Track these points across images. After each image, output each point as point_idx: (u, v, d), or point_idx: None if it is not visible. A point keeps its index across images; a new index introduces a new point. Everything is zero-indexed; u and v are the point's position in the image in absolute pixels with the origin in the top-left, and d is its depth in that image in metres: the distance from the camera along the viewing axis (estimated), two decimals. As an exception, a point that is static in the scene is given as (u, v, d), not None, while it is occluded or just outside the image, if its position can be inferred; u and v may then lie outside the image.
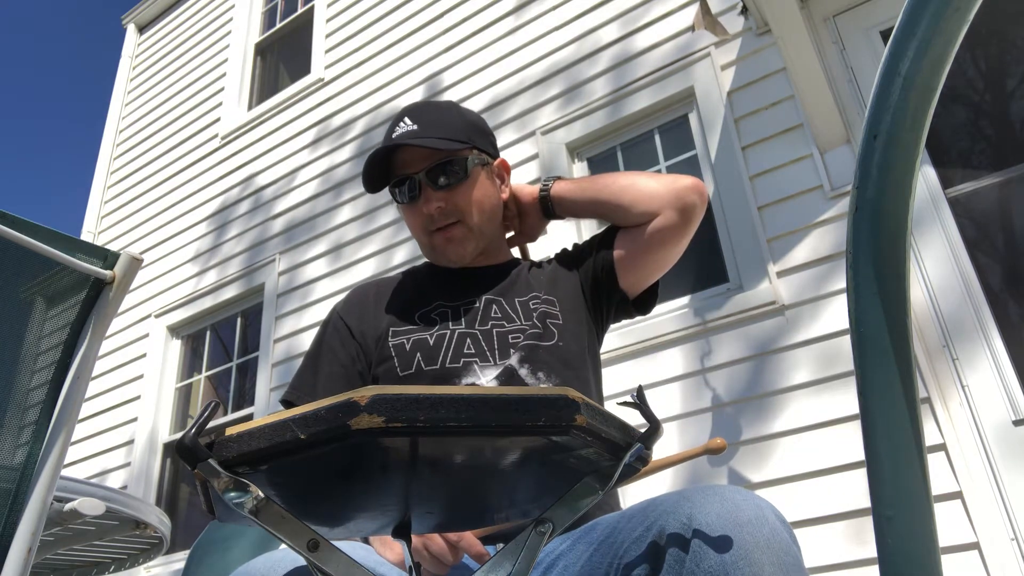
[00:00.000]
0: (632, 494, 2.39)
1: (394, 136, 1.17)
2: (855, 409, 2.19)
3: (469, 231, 1.21)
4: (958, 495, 2.15)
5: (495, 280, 1.23)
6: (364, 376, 1.16)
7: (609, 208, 1.24)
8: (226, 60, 5.41)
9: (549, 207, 1.28)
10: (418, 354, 1.11)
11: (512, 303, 1.18)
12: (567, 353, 1.13)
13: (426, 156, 1.18)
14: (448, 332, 1.12)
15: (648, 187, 1.21)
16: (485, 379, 1.07)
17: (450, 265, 1.24)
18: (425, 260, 1.34)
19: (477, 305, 1.17)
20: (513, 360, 1.09)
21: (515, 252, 1.36)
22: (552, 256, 1.33)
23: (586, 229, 3.18)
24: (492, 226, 1.25)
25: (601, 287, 1.23)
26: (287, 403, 1.15)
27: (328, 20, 4.93)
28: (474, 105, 3.76)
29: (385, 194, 1.28)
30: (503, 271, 1.26)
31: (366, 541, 1.02)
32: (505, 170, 1.31)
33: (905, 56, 0.46)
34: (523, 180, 3.41)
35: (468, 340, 1.11)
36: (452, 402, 0.52)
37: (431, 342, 1.12)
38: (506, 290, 1.21)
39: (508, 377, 1.07)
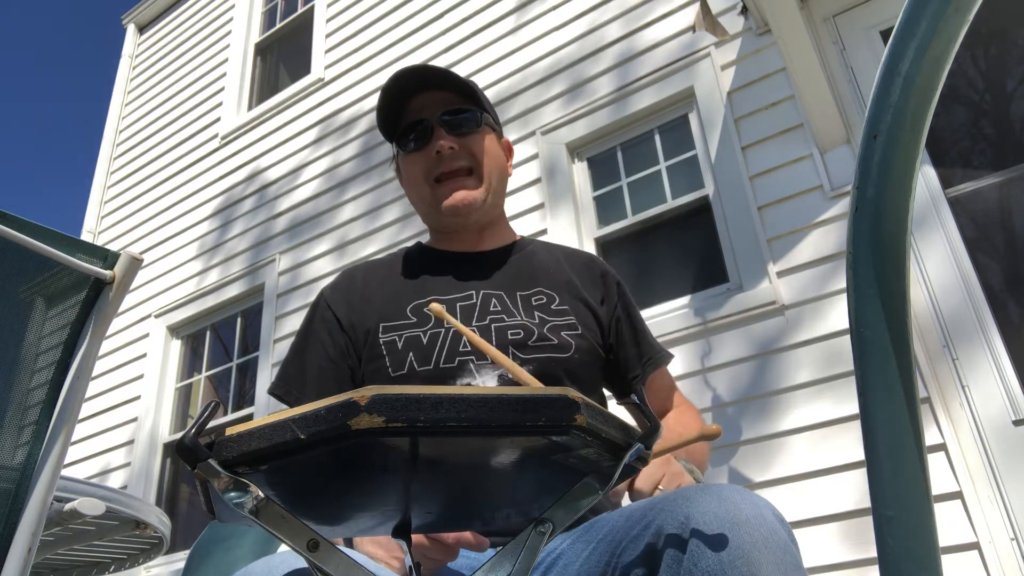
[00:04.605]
0: (632, 494, 2.39)
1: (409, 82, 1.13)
2: (855, 409, 2.19)
3: (480, 181, 1.16)
4: (958, 495, 2.15)
5: (494, 269, 1.17)
6: (355, 372, 1.10)
7: None
8: (226, 60, 5.41)
9: None
10: (411, 353, 1.05)
11: (513, 297, 1.12)
12: (580, 366, 1.07)
13: (441, 102, 1.14)
14: (443, 329, 1.06)
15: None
16: (481, 379, 1.02)
17: (455, 219, 1.17)
18: (418, 242, 1.27)
19: (474, 299, 1.11)
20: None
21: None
22: (567, 255, 1.24)
23: (585, 229, 3.18)
24: (501, 188, 1.21)
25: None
26: (275, 395, 1.11)
27: (328, 20, 4.93)
28: (474, 105, 3.76)
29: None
30: (503, 258, 1.19)
31: (349, 544, 0.96)
32: (509, 151, 1.28)
33: (905, 56, 0.46)
34: (522, 180, 3.41)
35: (464, 338, 1.04)
36: (453, 402, 0.52)
37: (424, 340, 1.05)
38: (506, 282, 1.15)
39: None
